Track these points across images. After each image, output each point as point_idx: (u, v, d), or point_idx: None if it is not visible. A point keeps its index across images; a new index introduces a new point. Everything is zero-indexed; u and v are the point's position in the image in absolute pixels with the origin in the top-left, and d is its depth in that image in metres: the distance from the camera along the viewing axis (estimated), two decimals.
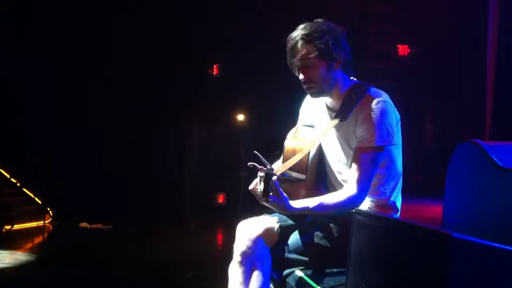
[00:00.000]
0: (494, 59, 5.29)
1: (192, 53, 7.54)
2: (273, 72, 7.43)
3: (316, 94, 2.18)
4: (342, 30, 2.14)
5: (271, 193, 1.93)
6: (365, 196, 2.07)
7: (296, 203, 2.01)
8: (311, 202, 2.05)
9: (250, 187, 2.13)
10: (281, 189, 1.97)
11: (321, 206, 2.04)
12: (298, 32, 2.10)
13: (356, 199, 2.04)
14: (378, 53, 7.95)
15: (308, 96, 2.39)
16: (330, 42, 2.08)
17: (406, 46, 7.92)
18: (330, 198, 2.07)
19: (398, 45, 7.92)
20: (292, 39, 2.12)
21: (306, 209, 2.03)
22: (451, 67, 7.92)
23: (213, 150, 7.84)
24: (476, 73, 6.43)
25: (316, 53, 2.07)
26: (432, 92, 8.38)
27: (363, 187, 2.05)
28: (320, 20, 2.14)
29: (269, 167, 1.92)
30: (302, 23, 2.14)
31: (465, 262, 1.39)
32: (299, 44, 2.09)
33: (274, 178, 1.94)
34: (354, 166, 2.07)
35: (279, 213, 2.14)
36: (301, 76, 2.14)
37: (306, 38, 2.08)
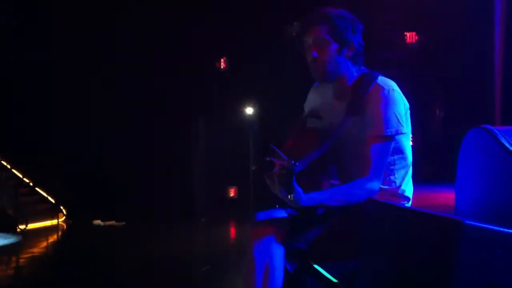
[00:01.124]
0: (502, 43, 5.24)
1: (199, 47, 7.53)
2: (282, 65, 7.43)
3: (322, 76, 2.17)
4: (360, 23, 2.17)
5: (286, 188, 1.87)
6: (378, 185, 2.05)
7: (310, 198, 1.96)
8: (324, 196, 2.01)
9: (267, 176, 1.97)
10: (296, 184, 1.91)
11: (335, 199, 2.01)
12: (318, 12, 2.14)
13: (370, 189, 2.02)
14: (386, 41, 7.89)
15: (313, 87, 2.39)
16: (346, 28, 2.11)
17: (414, 33, 7.85)
18: (344, 190, 2.03)
19: (405, 32, 7.85)
20: (310, 17, 2.14)
21: (320, 203, 2.00)
22: (459, 53, 7.84)
23: (223, 144, 7.84)
24: (485, 57, 6.37)
25: (331, 33, 2.10)
26: (441, 79, 8.31)
27: (376, 176, 2.04)
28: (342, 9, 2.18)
29: (291, 162, 1.85)
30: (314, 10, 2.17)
31: (478, 249, 1.39)
32: (317, 22, 2.12)
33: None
34: (365, 156, 2.05)
35: (291, 206, 2.13)
36: (310, 55, 2.14)
37: (325, 18, 2.11)
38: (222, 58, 7.85)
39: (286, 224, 2.11)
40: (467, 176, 2.27)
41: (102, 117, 7.67)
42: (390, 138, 2.07)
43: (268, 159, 1.91)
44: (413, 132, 2.22)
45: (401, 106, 2.10)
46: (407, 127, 2.12)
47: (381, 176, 2.06)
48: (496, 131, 2.14)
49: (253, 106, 8.01)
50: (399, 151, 2.15)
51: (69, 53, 7.53)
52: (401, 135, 2.11)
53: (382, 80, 2.14)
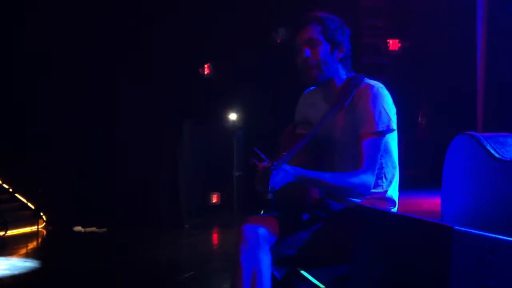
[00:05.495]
0: (484, 50, 5.31)
1: (183, 53, 7.50)
2: (266, 70, 7.44)
3: (314, 76, 2.20)
4: (348, 28, 2.25)
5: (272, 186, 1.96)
6: (372, 180, 2.09)
7: (306, 171, 2.04)
8: (319, 173, 2.07)
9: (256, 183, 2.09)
10: (285, 165, 2.00)
11: (329, 177, 2.06)
12: (309, 15, 2.22)
13: (364, 180, 2.06)
14: (369, 48, 7.94)
15: (303, 94, 2.41)
16: (337, 30, 2.20)
17: (397, 40, 7.93)
18: (338, 174, 2.09)
19: (388, 40, 7.93)
20: (303, 19, 2.22)
21: (314, 177, 2.05)
22: (442, 60, 7.94)
23: (206, 150, 7.81)
24: (467, 64, 6.45)
25: (322, 33, 2.17)
26: (424, 86, 8.40)
27: (369, 169, 2.08)
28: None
29: (270, 163, 1.96)
30: (303, 16, 2.24)
31: (467, 254, 1.40)
32: (308, 22, 2.19)
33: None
34: (359, 152, 2.09)
35: (275, 210, 2.14)
36: (302, 55, 2.18)
37: (316, 19, 2.20)
38: (206, 63, 7.83)
39: (274, 230, 2.10)
40: (453, 182, 2.29)
41: (83, 122, 7.58)
42: (382, 134, 2.11)
43: (251, 161, 2.02)
44: (397, 137, 2.24)
45: (390, 102, 2.16)
46: (395, 124, 2.16)
47: (374, 170, 2.10)
48: (481, 137, 2.16)
49: (237, 112, 8.00)
50: (387, 154, 2.17)
51: (66, 56, 7.43)
52: (390, 135, 2.14)
53: (370, 80, 2.20)
